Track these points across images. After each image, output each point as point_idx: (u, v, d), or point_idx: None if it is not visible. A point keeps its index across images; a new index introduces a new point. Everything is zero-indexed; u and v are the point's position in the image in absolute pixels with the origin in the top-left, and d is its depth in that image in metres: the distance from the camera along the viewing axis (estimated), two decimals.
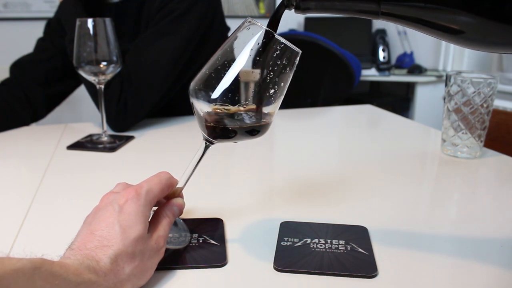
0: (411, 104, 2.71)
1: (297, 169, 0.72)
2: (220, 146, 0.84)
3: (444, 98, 0.78)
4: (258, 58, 0.39)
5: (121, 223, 0.39)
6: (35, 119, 1.07)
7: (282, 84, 0.40)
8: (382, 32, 2.90)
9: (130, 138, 0.89)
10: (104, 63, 0.80)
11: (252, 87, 0.40)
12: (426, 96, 2.61)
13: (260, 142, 0.90)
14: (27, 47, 1.11)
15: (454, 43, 0.35)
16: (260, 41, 0.39)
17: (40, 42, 1.09)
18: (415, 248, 0.47)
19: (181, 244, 0.47)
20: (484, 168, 0.73)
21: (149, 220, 0.43)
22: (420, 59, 2.80)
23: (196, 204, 0.56)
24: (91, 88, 0.93)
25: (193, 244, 0.47)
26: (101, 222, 0.39)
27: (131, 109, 0.92)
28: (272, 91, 0.40)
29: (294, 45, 0.39)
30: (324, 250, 0.46)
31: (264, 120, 0.42)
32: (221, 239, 0.48)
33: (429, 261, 0.44)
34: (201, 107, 0.41)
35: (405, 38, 2.86)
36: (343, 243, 0.47)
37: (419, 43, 2.82)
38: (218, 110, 0.40)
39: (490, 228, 0.52)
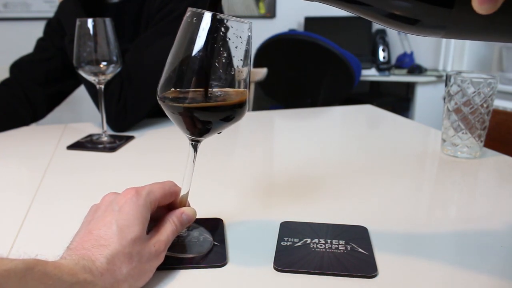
0: (411, 104, 2.71)
1: (297, 169, 0.72)
2: (220, 147, 0.84)
3: (444, 98, 0.78)
4: (209, 43, 0.39)
5: (119, 222, 0.39)
6: (35, 119, 1.07)
7: (241, 60, 0.41)
8: (382, 32, 2.90)
9: (130, 138, 0.89)
10: (104, 63, 0.80)
11: (217, 73, 0.40)
12: (426, 96, 2.61)
13: (260, 142, 0.91)
14: (27, 47, 1.11)
15: (392, 27, 0.35)
16: (206, 26, 0.39)
17: (40, 42, 1.09)
18: (415, 248, 0.47)
19: (202, 250, 0.46)
20: (484, 168, 0.73)
21: (155, 223, 0.43)
22: (420, 59, 2.80)
23: (196, 204, 0.56)
24: (91, 88, 0.93)
25: (192, 242, 0.47)
26: (99, 221, 0.39)
27: (131, 109, 0.92)
28: (233, 69, 0.40)
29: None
30: (324, 250, 0.46)
31: (237, 100, 0.41)
32: (221, 239, 0.48)
33: (429, 261, 0.44)
34: (173, 109, 0.41)
35: (405, 38, 2.86)
36: (343, 243, 0.47)
37: (419, 43, 2.82)
38: (189, 106, 0.40)
39: (490, 228, 0.52)
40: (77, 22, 0.78)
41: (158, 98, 0.42)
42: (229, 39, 0.40)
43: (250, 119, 1.16)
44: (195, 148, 0.45)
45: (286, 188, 0.65)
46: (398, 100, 2.82)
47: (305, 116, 1.17)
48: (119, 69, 0.83)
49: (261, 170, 0.73)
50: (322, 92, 2.34)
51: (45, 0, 2.39)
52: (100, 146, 0.84)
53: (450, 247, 0.48)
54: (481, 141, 0.76)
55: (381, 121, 1.10)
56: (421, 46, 2.82)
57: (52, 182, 0.67)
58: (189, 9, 0.40)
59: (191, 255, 0.45)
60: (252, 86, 1.69)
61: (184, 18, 0.40)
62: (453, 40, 2.57)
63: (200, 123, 0.41)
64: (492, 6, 0.28)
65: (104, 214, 0.40)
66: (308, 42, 2.20)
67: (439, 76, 2.57)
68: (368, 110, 1.18)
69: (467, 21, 0.32)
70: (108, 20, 0.79)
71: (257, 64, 2.36)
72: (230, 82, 0.41)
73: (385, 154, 0.81)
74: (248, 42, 0.41)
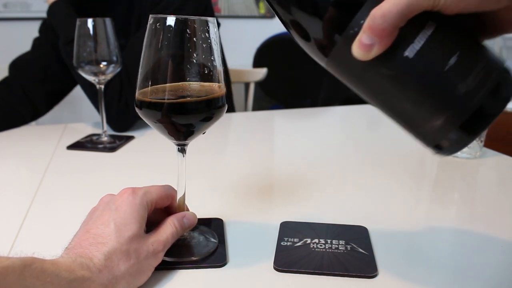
0: None
1: (297, 169, 0.72)
2: (220, 147, 0.84)
3: None
4: (177, 45, 0.39)
5: (116, 221, 0.39)
6: (36, 116, 1.06)
7: (212, 57, 0.41)
8: None
9: (130, 138, 0.89)
10: (104, 63, 0.80)
11: (190, 73, 0.40)
12: None
13: (260, 142, 0.91)
14: (27, 47, 1.11)
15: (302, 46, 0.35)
16: (171, 29, 0.39)
17: (36, 41, 1.09)
18: (415, 248, 0.47)
19: (205, 251, 0.46)
20: (484, 168, 0.73)
21: (155, 226, 0.44)
22: None
23: (196, 204, 0.56)
24: (89, 90, 0.92)
25: (194, 243, 0.47)
26: (97, 221, 0.40)
27: (132, 108, 0.92)
28: (205, 67, 0.41)
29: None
30: (324, 250, 0.46)
31: (215, 95, 0.42)
32: (221, 239, 0.48)
33: (429, 261, 0.44)
34: (153, 117, 0.41)
35: None
36: (343, 243, 0.47)
37: None
38: (168, 101, 0.40)
39: (490, 228, 0.52)
40: (77, 22, 0.78)
41: (136, 107, 0.42)
42: (196, 38, 0.40)
43: (250, 119, 1.16)
44: (183, 152, 0.45)
45: (286, 188, 0.65)
46: None
47: (305, 116, 1.17)
48: (119, 69, 0.83)
49: (261, 170, 0.73)
50: (322, 92, 2.34)
51: (45, 0, 2.39)
52: (100, 146, 0.84)
53: (450, 247, 0.48)
54: (481, 141, 0.76)
55: (381, 121, 1.10)
56: None
57: (52, 182, 0.67)
58: (151, 16, 0.40)
59: (193, 258, 0.44)
60: (252, 86, 1.69)
61: (148, 25, 0.40)
62: None
63: (183, 126, 0.42)
64: (365, 54, 0.30)
65: (101, 213, 0.41)
66: None
67: None
68: (368, 110, 1.18)
69: (344, 58, 0.33)
70: (108, 20, 0.79)
71: (257, 64, 2.36)
72: (205, 79, 0.41)
73: (385, 154, 0.81)
74: (216, 38, 0.41)
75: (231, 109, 1.25)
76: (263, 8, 2.88)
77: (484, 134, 0.75)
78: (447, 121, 0.32)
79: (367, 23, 0.30)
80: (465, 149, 0.76)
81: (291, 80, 2.44)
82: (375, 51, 0.30)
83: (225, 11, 2.78)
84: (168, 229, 0.43)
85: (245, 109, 1.70)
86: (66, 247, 0.38)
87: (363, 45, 0.30)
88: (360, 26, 0.30)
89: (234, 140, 0.94)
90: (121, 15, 1.01)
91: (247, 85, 1.85)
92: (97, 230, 0.39)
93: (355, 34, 0.31)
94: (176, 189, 0.46)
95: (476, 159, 0.76)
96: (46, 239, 0.50)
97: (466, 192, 0.65)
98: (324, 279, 0.41)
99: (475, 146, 0.76)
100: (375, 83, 0.33)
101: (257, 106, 2.59)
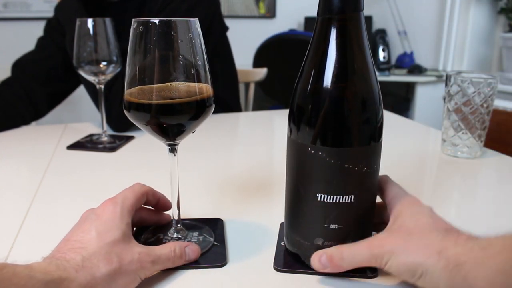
0: (411, 104, 2.71)
1: None
2: (220, 147, 0.84)
3: (444, 98, 0.78)
4: (162, 48, 0.40)
5: (97, 228, 0.39)
6: (36, 117, 1.06)
7: (197, 57, 0.41)
8: (382, 32, 2.90)
9: (130, 138, 0.89)
10: (104, 63, 0.80)
11: (176, 74, 0.40)
12: (426, 96, 2.61)
13: (260, 142, 0.91)
14: (27, 47, 1.11)
15: None
16: (155, 32, 0.39)
17: (41, 41, 1.09)
18: None
19: (202, 250, 0.46)
20: (484, 168, 0.73)
21: (144, 221, 0.44)
22: (420, 59, 2.80)
23: (196, 204, 0.56)
24: (92, 89, 0.92)
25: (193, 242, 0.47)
26: (77, 230, 0.40)
27: None
28: (192, 67, 0.41)
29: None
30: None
31: (200, 97, 0.42)
32: (221, 239, 0.48)
33: None
34: (142, 119, 0.41)
35: (405, 38, 2.86)
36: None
37: (419, 43, 2.82)
38: (154, 102, 0.40)
39: (490, 228, 0.52)
40: (77, 22, 0.78)
41: (124, 109, 0.42)
42: (182, 40, 0.40)
43: (250, 119, 1.16)
44: (174, 151, 0.45)
45: None
46: (398, 100, 2.82)
47: None
48: (119, 69, 0.83)
49: (261, 170, 0.73)
50: None
51: (45, 0, 2.39)
52: (100, 146, 0.84)
53: None
54: (481, 141, 0.76)
55: None
56: (421, 46, 2.82)
57: (52, 182, 0.67)
58: (134, 20, 0.40)
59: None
60: (252, 86, 1.69)
61: (131, 29, 0.41)
62: (453, 40, 2.57)
63: (172, 127, 0.42)
64: (319, 268, 0.39)
65: (83, 223, 0.40)
66: (308, 42, 2.20)
67: (439, 76, 2.57)
68: None
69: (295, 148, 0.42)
70: (108, 20, 0.79)
71: (257, 64, 2.36)
72: (191, 79, 0.41)
73: (385, 154, 0.80)
74: (199, 38, 0.41)
75: (238, 110, 1.26)
76: (263, 8, 2.89)
77: (484, 134, 0.75)
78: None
79: (330, 253, 0.39)
80: (465, 149, 0.76)
81: (291, 80, 2.43)
82: (326, 271, 0.39)
83: (225, 11, 2.78)
84: (164, 250, 0.42)
85: (245, 109, 1.70)
86: (44, 257, 0.37)
87: (320, 262, 0.39)
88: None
89: (234, 140, 0.94)
90: (131, 20, 1.01)
91: (247, 85, 1.85)
92: (77, 237, 0.38)
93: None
94: (142, 184, 0.46)
95: (476, 159, 0.76)
96: (46, 239, 0.50)
97: (466, 192, 0.65)
98: (324, 279, 0.41)
99: (475, 146, 0.76)
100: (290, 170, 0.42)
101: (257, 106, 2.59)
